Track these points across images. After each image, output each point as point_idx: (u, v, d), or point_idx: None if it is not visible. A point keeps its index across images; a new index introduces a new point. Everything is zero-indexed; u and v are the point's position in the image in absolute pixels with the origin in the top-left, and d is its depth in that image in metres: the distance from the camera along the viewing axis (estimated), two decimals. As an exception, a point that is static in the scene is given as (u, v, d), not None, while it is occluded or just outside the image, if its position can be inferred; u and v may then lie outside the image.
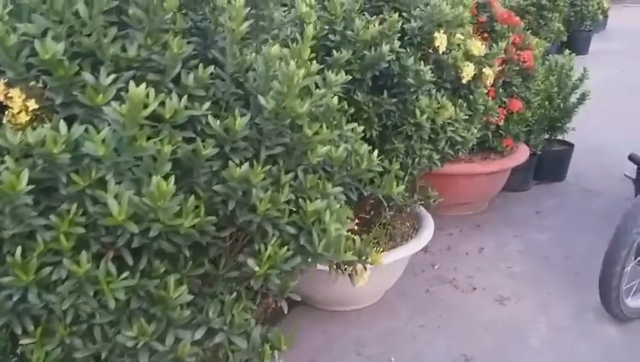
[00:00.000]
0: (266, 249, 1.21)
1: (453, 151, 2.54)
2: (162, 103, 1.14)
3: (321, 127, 1.35)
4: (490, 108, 2.62)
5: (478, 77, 2.53)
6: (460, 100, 2.51)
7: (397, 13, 2.20)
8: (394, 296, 2.91)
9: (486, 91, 2.63)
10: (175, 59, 1.17)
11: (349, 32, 2.08)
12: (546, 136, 4.20)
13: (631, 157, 3.40)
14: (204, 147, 1.17)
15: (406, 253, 2.62)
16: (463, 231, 3.61)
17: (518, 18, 3.58)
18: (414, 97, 2.18)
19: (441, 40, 2.22)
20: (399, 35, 2.19)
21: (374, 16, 2.20)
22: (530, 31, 7.21)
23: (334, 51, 2.08)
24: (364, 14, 2.20)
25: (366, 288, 2.63)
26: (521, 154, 3.71)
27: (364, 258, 1.61)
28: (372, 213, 2.77)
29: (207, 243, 1.30)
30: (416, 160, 2.34)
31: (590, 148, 4.75)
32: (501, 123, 3.50)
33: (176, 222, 1.08)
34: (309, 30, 1.26)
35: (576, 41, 9.15)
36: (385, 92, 2.22)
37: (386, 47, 2.05)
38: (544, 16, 7.27)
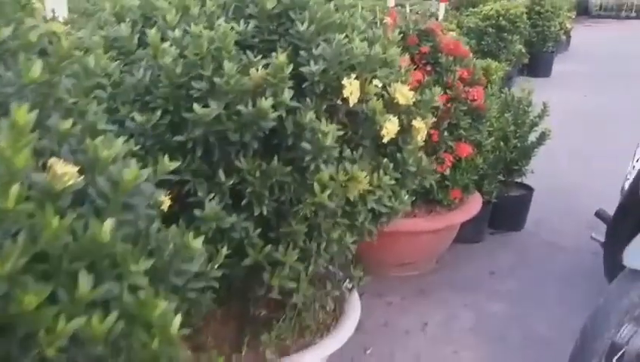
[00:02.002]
0: None
1: (376, 225, 1.98)
2: None
3: (71, 283, 0.76)
4: (425, 169, 2.06)
5: (407, 131, 1.98)
6: (386, 160, 1.94)
7: (291, 52, 1.63)
8: (311, 397, 2.31)
9: (420, 145, 2.06)
10: None
11: (217, 80, 1.49)
12: (502, 178, 3.67)
13: (598, 215, 2.88)
14: None
15: (317, 357, 2.03)
16: (405, 298, 3.04)
17: (466, 48, 3.05)
18: (313, 167, 1.60)
19: (351, 88, 1.65)
20: (296, 81, 1.62)
21: (260, 56, 1.62)
22: (487, 54, 6.77)
23: (196, 105, 1.49)
24: (245, 53, 1.61)
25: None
26: (473, 206, 3.17)
27: None
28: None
29: None
30: (323, 245, 1.76)
31: (551, 189, 4.25)
32: (447, 172, 2.96)
33: None
34: (21, 116, 0.66)
35: (538, 63, 8.79)
36: (276, 157, 1.64)
37: (266, 102, 1.47)
38: (504, 38, 6.84)
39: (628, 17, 17.42)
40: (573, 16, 12.04)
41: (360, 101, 1.76)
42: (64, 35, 1.29)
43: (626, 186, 3.17)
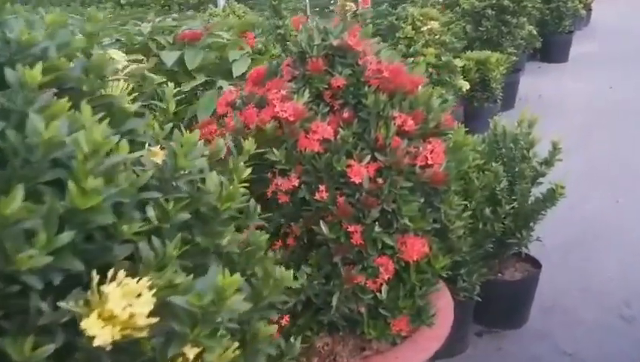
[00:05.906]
0: None
1: None
2: None
3: None
4: None
5: None
6: None
7: None
8: None
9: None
10: None
11: None
12: (492, 251, 2.42)
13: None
14: None
15: None
16: None
17: (414, 76, 1.77)
18: None
19: None
20: None
21: None
22: (486, 41, 5.44)
23: None
24: None
25: None
26: (435, 333, 1.92)
27: None
28: None
29: None
30: None
31: (563, 248, 2.98)
32: (382, 291, 1.72)
33: None
34: None
35: (552, 47, 7.39)
36: None
37: None
38: (507, 21, 5.47)
39: (656, -18, 15.67)
40: (595, -15, 10.49)
41: None
42: None
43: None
